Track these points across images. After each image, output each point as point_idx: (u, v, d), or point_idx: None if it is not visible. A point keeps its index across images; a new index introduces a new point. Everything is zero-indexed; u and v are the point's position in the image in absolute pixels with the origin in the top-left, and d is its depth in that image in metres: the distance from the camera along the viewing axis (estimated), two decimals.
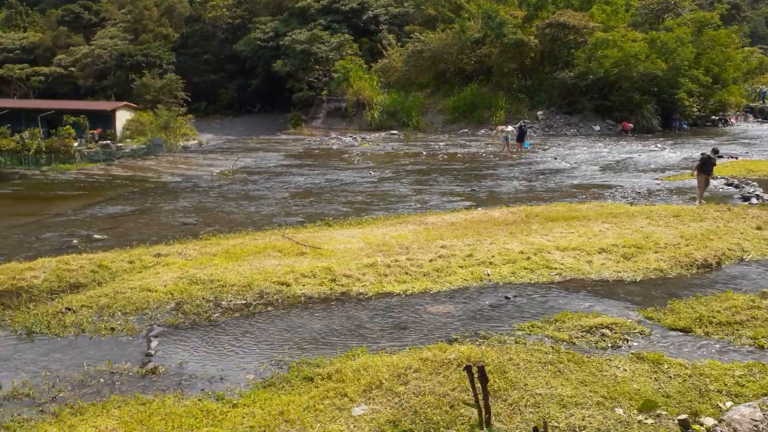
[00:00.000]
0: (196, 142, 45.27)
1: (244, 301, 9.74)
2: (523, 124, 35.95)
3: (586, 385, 6.59)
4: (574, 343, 7.93)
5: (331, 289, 10.29)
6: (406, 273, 10.98)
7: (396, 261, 11.49)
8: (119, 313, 9.25)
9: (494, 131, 42.50)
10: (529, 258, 11.65)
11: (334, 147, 38.51)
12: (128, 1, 65.45)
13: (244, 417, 6.12)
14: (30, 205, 21.05)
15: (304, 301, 9.86)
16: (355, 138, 42.38)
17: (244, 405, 6.40)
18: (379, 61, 52.76)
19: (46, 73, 55.39)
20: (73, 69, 55.92)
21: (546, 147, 35.94)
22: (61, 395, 6.81)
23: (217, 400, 6.58)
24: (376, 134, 44.53)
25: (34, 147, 39.46)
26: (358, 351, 7.77)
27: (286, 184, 24.00)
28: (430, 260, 11.55)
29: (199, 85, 56.77)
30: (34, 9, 74.36)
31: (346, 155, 34.00)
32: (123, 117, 45.87)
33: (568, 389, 6.49)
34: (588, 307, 9.38)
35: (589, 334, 8.22)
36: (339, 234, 14.32)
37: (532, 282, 10.67)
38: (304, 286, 10.37)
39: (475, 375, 4.99)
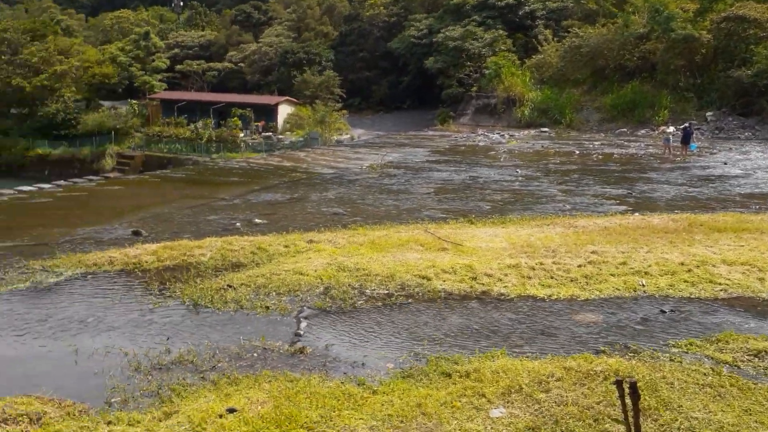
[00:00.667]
0: (348, 136, 47.09)
1: (386, 291, 9.97)
2: (688, 125, 33.11)
3: (751, 414, 5.96)
4: (739, 367, 7.19)
5: (471, 287, 10.22)
6: (552, 277, 10.61)
7: (541, 264, 11.13)
8: (274, 293, 9.88)
9: (656, 132, 39.64)
10: (690, 270, 10.74)
11: (481, 144, 38.12)
12: (293, 1, 69.59)
13: (383, 404, 6.27)
14: (200, 189, 23.13)
15: (443, 296, 9.89)
16: (502, 135, 41.64)
17: (383, 393, 6.56)
18: (533, 56, 51.31)
19: (219, 69, 60.48)
20: (242, 65, 60.54)
21: (715, 151, 32.86)
22: (219, 365, 7.42)
23: (358, 385, 6.80)
24: (525, 131, 43.41)
25: (206, 136, 43.28)
26: (497, 352, 7.64)
27: (431, 180, 24.17)
28: (579, 266, 11.05)
29: (353, 82, 58.93)
30: (211, 9, 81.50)
31: (493, 152, 33.52)
32: (284, 111, 48.93)
33: (729, 416, 5.90)
34: (757, 328, 8.46)
35: (756, 359, 7.41)
36: (481, 232, 14.17)
37: (692, 297, 9.82)
38: (444, 281, 10.39)
39: (626, 390, 4.69)
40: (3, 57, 46.00)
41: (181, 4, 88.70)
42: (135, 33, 58.72)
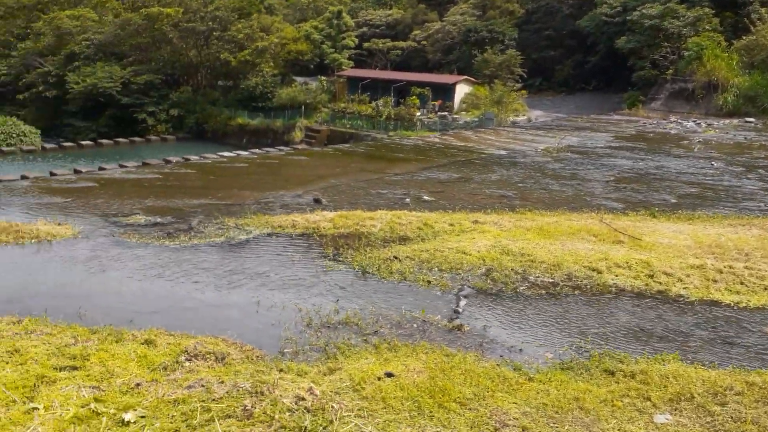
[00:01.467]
0: (525, 117, 45.87)
1: (551, 280, 9.70)
2: None
3: None
4: None
5: (646, 284, 9.57)
6: (742, 283, 9.57)
7: (730, 267, 10.08)
8: (436, 268, 10.09)
9: None
10: None
11: (672, 131, 35.03)
12: None
13: (538, 393, 6.18)
14: (376, 163, 24.08)
15: (614, 291, 9.38)
16: (698, 123, 37.87)
17: (540, 381, 6.45)
18: (744, 38, 45.72)
19: (403, 48, 61.88)
20: (425, 43, 61.38)
21: None
22: (381, 330, 7.79)
23: (514, 369, 6.75)
24: (726, 121, 39.06)
25: (385, 114, 44.66)
26: (669, 356, 7.12)
27: (611, 167, 22.80)
28: None
29: (536, 62, 57.06)
30: None
31: (685, 141, 30.67)
32: (462, 90, 48.86)
33: None
34: None
35: None
36: (664, 227, 13.13)
37: None
38: (616, 276, 9.85)
39: None
40: (214, 33, 51.18)
41: None
42: (329, 12, 62.01)
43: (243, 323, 7.97)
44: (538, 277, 9.82)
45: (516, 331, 7.96)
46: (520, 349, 7.39)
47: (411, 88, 47.58)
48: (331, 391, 5.97)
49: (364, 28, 66.46)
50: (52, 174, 31.34)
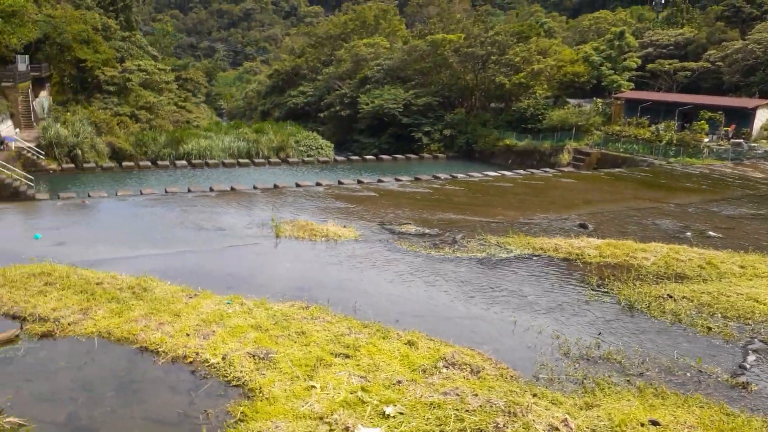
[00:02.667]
0: None
1: None
2: None
3: None
4: None
5: None
6: None
7: None
8: (719, 314, 8.90)
9: None
10: None
11: None
12: None
13: None
14: (653, 191, 22.21)
15: None
16: None
17: None
18: None
19: (694, 69, 56.19)
20: (720, 64, 54.90)
21: None
22: (647, 373, 7.12)
23: None
24: None
25: (666, 138, 41.06)
26: None
27: None
28: None
29: None
30: (695, 6, 75.97)
31: None
32: (763, 116, 42.52)
33: None
34: None
35: None
36: None
37: None
38: None
39: None
40: (492, 57, 52.61)
41: (662, 2, 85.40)
42: (610, 33, 59.37)
43: (499, 340, 7.98)
44: None
45: None
46: None
47: (699, 112, 42.93)
48: (587, 428, 5.64)
49: (649, 49, 61.94)
50: (340, 183, 35.39)
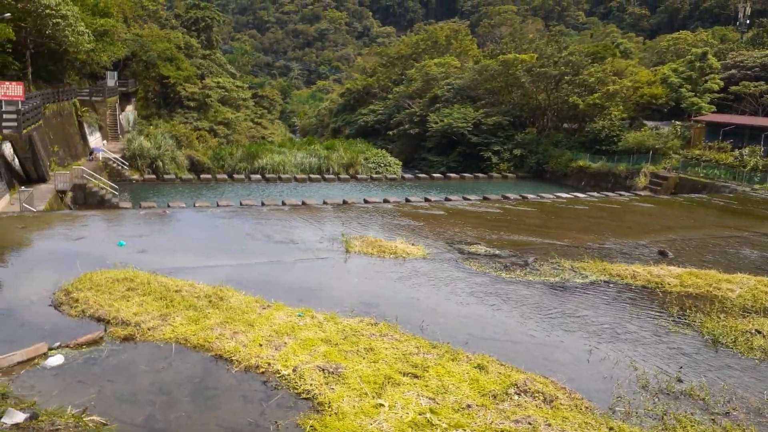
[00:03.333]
0: None
1: None
2: None
3: None
4: None
5: None
6: None
7: None
8: None
9: None
10: None
11: None
12: None
13: None
14: (738, 219, 21.11)
15: None
16: None
17: None
18: None
19: None
20: None
21: None
22: (734, 413, 6.70)
23: None
24: None
25: (751, 164, 39.14)
26: None
27: None
28: None
29: None
30: None
31: None
32: None
33: None
34: None
35: None
36: None
37: None
38: None
39: None
40: (565, 77, 51.71)
41: (747, 22, 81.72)
42: (691, 54, 57.24)
43: (573, 369, 7.72)
44: None
45: None
46: None
47: None
48: None
49: (733, 71, 59.27)
50: (407, 200, 35.48)
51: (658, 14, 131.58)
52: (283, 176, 44.55)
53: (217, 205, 31.77)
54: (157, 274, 8.57)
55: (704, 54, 55.38)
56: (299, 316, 7.46)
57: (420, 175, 50.04)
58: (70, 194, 27.84)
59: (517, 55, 54.25)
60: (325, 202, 31.16)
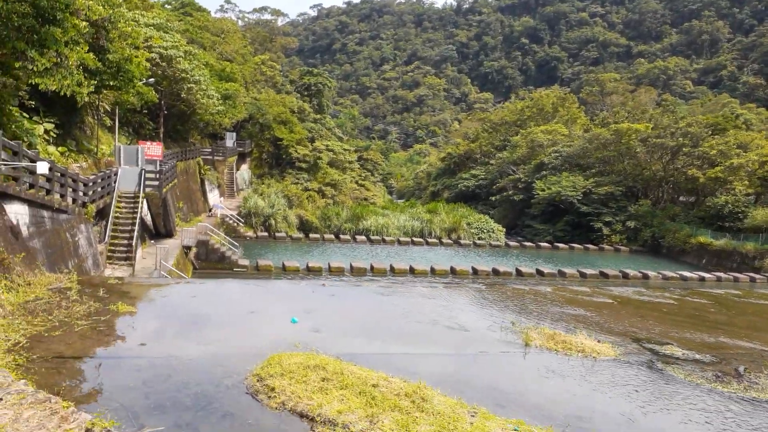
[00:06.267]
0: None
1: None
2: None
3: None
4: None
5: None
6: None
7: None
8: None
9: None
10: None
11: None
12: None
13: None
14: None
15: None
16: None
17: None
18: None
19: None
20: None
21: None
22: None
23: None
24: None
25: None
26: None
27: None
28: None
29: None
30: None
31: None
32: None
33: None
34: None
35: None
36: None
37: None
38: None
39: None
40: (684, 149, 49.37)
41: None
42: None
43: None
44: None
45: None
46: None
47: None
48: None
49: None
50: (518, 272, 34.11)
51: None
52: (386, 238, 44.53)
53: (351, 267, 31.35)
54: (340, 359, 8.07)
55: None
56: (515, 430, 6.63)
57: (525, 243, 48.59)
58: (194, 250, 28.72)
59: (631, 125, 52.60)
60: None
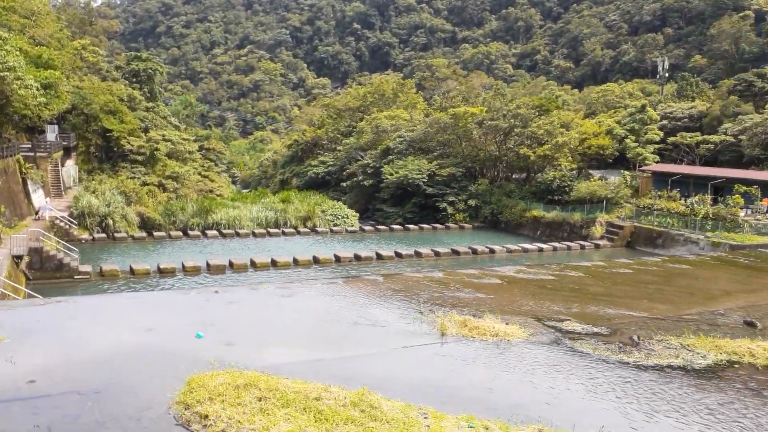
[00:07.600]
0: None
1: None
2: None
3: None
4: None
5: None
6: None
7: None
8: None
9: None
10: None
11: None
12: None
13: None
14: None
15: None
16: None
17: None
18: None
19: (716, 142, 56.88)
20: (742, 137, 55.67)
21: None
22: None
23: None
24: None
25: (702, 213, 40.80)
26: None
27: None
28: None
29: None
30: (704, 80, 78.14)
31: None
32: None
33: None
34: None
35: None
36: None
37: None
38: None
39: None
40: (515, 130, 53.13)
41: (666, 75, 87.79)
42: (632, 106, 60.36)
43: None
44: None
45: None
46: None
47: (734, 186, 43.03)
48: None
49: (664, 121, 63.07)
50: (378, 256, 34.38)
51: (582, 67, 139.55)
52: (240, 231, 42.73)
53: (208, 265, 29.32)
54: (268, 374, 7.30)
55: (644, 106, 58.45)
56: (471, 427, 6.38)
57: (379, 227, 49.33)
58: (26, 259, 25.25)
59: (467, 109, 55.39)
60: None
